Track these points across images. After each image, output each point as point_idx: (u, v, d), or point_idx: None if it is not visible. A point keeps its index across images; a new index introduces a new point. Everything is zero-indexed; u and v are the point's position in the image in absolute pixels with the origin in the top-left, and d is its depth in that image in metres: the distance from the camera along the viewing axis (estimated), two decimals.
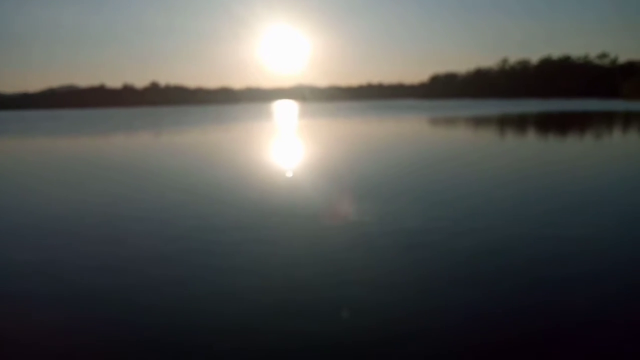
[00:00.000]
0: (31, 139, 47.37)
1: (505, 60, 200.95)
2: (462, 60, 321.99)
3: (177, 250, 9.44)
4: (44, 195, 16.03)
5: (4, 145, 41.59)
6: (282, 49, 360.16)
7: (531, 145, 28.77)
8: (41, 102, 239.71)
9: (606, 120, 52.37)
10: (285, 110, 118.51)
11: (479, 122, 52.50)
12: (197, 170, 20.77)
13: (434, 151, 26.61)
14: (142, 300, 7.09)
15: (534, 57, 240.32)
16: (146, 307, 6.87)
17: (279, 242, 9.81)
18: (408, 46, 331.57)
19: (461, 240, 9.58)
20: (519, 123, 50.31)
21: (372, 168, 20.14)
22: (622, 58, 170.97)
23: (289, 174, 19.63)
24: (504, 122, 51.47)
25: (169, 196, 14.92)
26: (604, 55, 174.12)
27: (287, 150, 29.71)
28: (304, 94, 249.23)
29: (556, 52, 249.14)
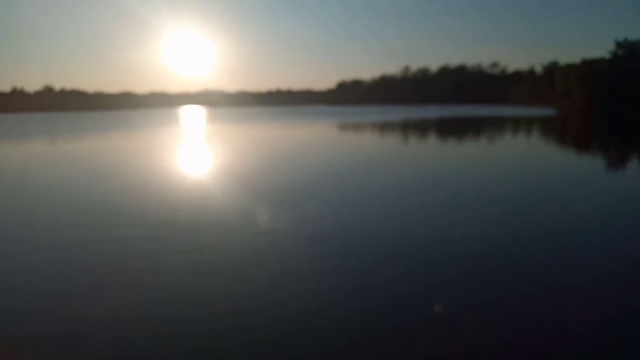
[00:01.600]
0: None
1: (407, 68, 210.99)
2: (368, 67, 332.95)
3: (63, 262, 8.83)
4: None
5: None
6: (189, 53, 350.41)
7: (432, 148, 30.45)
8: None
9: (497, 124, 56.88)
10: (192, 116, 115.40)
11: (383, 127, 54.62)
12: (93, 181, 19.54)
13: (342, 156, 27.22)
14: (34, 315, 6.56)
15: (434, 65, 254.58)
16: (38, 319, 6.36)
17: (185, 251, 9.51)
18: (316, 52, 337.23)
19: (372, 241, 9.89)
20: (420, 128, 53.08)
21: (282, 174, 20.19)
22: (511, 67, 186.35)
23: (194, 182, 19.14)
24: (407, 127, 54.04)
25: (55, 209, 13.91)
26: (494, 65, 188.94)
27: (193, 157, 28.94)
28: (212, 99, 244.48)
29: (453, 60, 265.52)
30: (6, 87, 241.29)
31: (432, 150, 29.58)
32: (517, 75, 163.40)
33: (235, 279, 7.98)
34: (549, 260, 8.62)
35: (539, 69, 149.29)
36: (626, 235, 10.23)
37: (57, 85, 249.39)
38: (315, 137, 44.06)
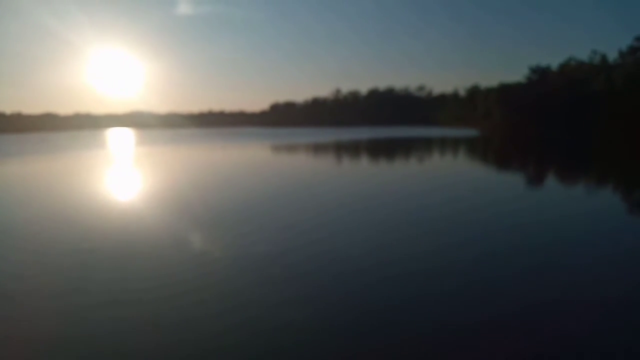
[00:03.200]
0: None
1: (338, 91, 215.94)
2: (301, 89, 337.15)
3: None
4: None
5: None
6: (115, 74, 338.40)
7: (363, 169, 31.35)
8: None
9: (425, 144, 59.44)
10: (120, 138, 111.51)
11: (316, 148, 55.49)
12: (9, 207, 18.55)
13: (275, 177, 27.41)
14: None
15: (364, 88, 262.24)
16: None
17: (115, 279, 9.32)
18: (249, 74, 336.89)
19: (305, 262, 10.13)
20: (351, 149, 54.42)
21: (214, 197, 20.08)
22: (436, 90, 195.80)
23: (120, 208, 18.63)
24: (338, 149, 55.22)
25: None
26: (421, 88, 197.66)
27: (120, 181, 28.06)
28: (142, 121, 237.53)
29: (383, 83, 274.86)
30: None
31: (363, 171, 30.45)
32: (443, 98, 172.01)
33: (163, 305, 7.94)
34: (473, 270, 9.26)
35: (462, 92, 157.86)
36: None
37: None
38: (248, 159, 44.03)
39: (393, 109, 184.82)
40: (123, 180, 28.24)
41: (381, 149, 53.80)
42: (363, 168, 32.31)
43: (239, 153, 51.92)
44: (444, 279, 8.92)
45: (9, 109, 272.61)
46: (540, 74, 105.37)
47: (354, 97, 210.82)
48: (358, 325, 6.98)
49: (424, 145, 58.12)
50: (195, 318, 7.33)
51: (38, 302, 8.06)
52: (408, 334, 6.70)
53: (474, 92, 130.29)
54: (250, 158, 44.81)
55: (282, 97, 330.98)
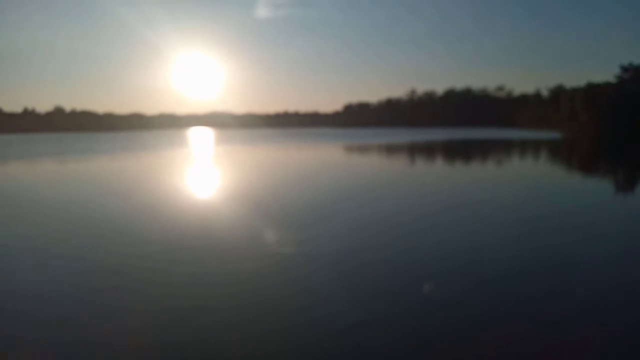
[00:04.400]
0: None
1: (413, 91, 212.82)
2: (375, 90, 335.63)
3: (88, 286, 9.12)
4: None
5: None
6: (197, 76, 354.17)
7: (439, 170, 30.69)
8: None
9: (504, 146, 57.13)
10: (201, 137, 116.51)
11: (390, 149, 55.03)
12: (103, 202, 19.95)
13: (351, 177, 27.49)
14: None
15: (440, 88, 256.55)
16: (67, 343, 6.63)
17: (198, 273, 9.77)
18: (323, 75, 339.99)
19: (385, 267, 10.11)
20: (426, 150, 53.40)
21: (293, 195, 20.46)
22: (517, 91, 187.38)
23: (205, 203, 19.46)
24: (413, 150, 54.41)
25: (70, 230, 14.24)
26: (500, 88, 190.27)
27: (203, 178, 29.33)
28: (220, 121, 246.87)
29: (460, 83, 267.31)
30: (18, 108, 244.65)
31: (439, 172, 29.80)
32: (524, 99, 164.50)
33: (248, 298, 8.22)
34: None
35: (545, 93, 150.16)
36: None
37: (68, 106, 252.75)
38: (322, 159, 44.41)
39: (470, 110, 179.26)
40: (203, 177, 29.50)
41: (458, 151, 52.38)
42: (439, 170, 31.60)
43: (312, 153, 52.57)
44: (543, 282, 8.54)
45: (101, 109, 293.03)
46: (633, 73, 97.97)
47: (429, 97, 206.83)
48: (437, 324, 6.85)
49: (504, 148, 55.89)
50: (277, 315, 7.52)
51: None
52: (502, 341, 6.49)
53: (558, 93, 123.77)
54: (324, 158, 45.19)
55: (356, 97, 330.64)
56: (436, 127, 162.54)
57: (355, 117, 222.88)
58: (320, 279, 9.05)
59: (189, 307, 7.74)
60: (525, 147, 55.61)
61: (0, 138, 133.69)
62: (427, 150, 53.99)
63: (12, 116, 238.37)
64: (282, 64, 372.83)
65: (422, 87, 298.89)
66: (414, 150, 53.86)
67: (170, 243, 11.88)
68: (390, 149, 54.54)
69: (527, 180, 25.57)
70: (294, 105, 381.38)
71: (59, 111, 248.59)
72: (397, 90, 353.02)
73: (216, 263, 10.17)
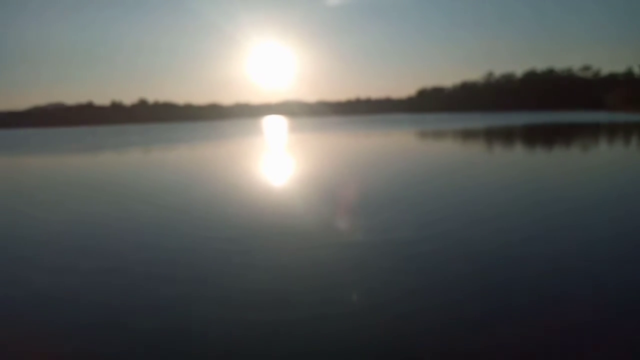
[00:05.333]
0: (13, 157, 47.14)
1: (490, 74, 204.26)
2: (449, 74, 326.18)
3: (170, 268, 9.61)
4: (25, 215, 16.04)
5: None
6: (270, 65, 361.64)
7: (518, 157, 29.30)
8: (28, 120, 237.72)
9: (592, 131, 53.43)
10: (274, 126, 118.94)
11: (467, 134, 53.25)
12: (190, 188, 20.90)
13: (426, 164, 26.95)
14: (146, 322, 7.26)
15: (519, 70, 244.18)
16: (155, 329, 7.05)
17: (276, 260, 10.01)
18: (395, 61, 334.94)
19: (464, 257, 9.87)
20: (506, 135, 51.09)
21: (367, 182, 20.40)
22: (605, 70, 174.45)
23: (285, 189, 19.86)
24: (491, 135, 52.27)
25: (160, 214, 15.03)
26: (586, 68, 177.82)
27: (280, 165, 29.95)
28: (292, 109, 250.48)
29: (540, 65, 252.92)
30: (106, 101, 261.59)
31: (522, 160, 28.42)
32: (613, 79, 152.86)
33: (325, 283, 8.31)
34: None
35: (638, 70, 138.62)
36: None
37: (151, 98, 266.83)
38: (392, 145, 43.84)
39: (553, 92, 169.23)
40: (278, 165, 30.10)
41: (542, 136, 49.67)
42: (521, 157, 30.13)
43: (384, 140, 51.98)
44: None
45: (181, 100, 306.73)
46: None
47: (507, 80, 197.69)
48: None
49: (593, 132, 52.25)
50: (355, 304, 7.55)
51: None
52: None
53: None
54: (396, 144, 44.56)
55: (430, 82, 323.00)
56: (516, 111, 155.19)
57: (429, 102, 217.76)
58: (399, 269, 8.97)
59: (270, 294, 7.96)
60: (618, 132, 51.68)
61: (92, 130, 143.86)
62: (507, 135, 51.61)
63: (102, 109, 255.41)
64: (354, 51, 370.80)
65: (499, 70, 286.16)
66: (492, 135, 51.72)
67: (251, 228, 12.25)
68: (467, 135, 52.77)
69: (630, 170, 23.70)
70: (366, 92, 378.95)
71: (143, 103, 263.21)
72: (473, 73, 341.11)
73: (291, 248, 10.36)
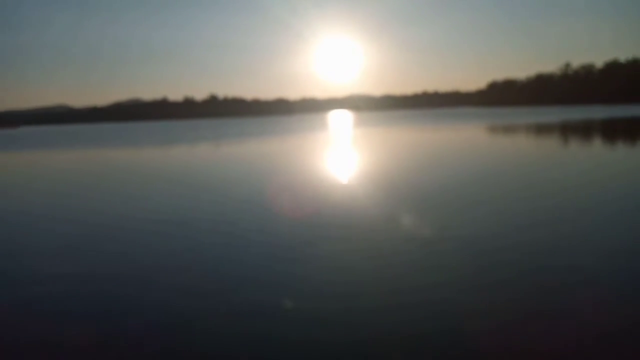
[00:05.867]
0: (99, 150, 50.32)
1: (567, 65, 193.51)
2: (521, 65, 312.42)
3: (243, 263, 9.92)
4: (101, 203, 17.13)
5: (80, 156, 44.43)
6: (336, 60, 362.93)
7: (604, 154, 27.59)
8: (109, 116, 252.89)
9: None
10: (340, 120, 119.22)
11: (541, 130, 50.76)
12: (259, 181, 21.44)
13: (496, 161, 25.98)
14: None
15: (599, 61, 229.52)
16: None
17: (342, 255, 10.08)
18: (464, 53, 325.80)
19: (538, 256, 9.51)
20: (587, 130, 48.15)
21: (433, 179, 19.96)
22: None
23: (347, 184, 19.91)
24: (571, 129, 49.44)
25: (233, 206, 15.52)
26: None
27: (344, 160, 30.02)
28: (358, 103, 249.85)
29: (623, 54, 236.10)
30: (179, 97, 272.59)
31: (604, 158, 26.71)
32: None
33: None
34: None
35: None
36: None
37: (221, 94, 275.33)
38: (464, 140, 42.58)
39: (638, 84, 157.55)
40: (342, 160, 30.16)
41: (626, 131, 46.41)
42: (603, 154, 28.31)
43: (452, 134, 50.67)
44: None
45: (249, 95, 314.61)
46: None
47: (586, 71, 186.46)
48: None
49: None
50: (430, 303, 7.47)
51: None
52: None
53: None
54: (465, 139, 43.27)
55: (501, 74, 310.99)
56: (595, 104, 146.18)
57: (501, 95, 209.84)
58: (468, 267, 8.76)
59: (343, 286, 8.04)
60: None
61: (166, 124, 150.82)
62: (587, 130, 48.64)
63: (175, 104, 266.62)
64: (421, 43, 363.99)
65: (577, 60, 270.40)
66: (571, 130, 48.87)
67: (322, 220, 12.41)
68: (541, 130, 50.26)
69: None
70: (433, 85, 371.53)
71: (213, 99, 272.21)
72: (549, 64, 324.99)
73: (360, 241, 10.38)
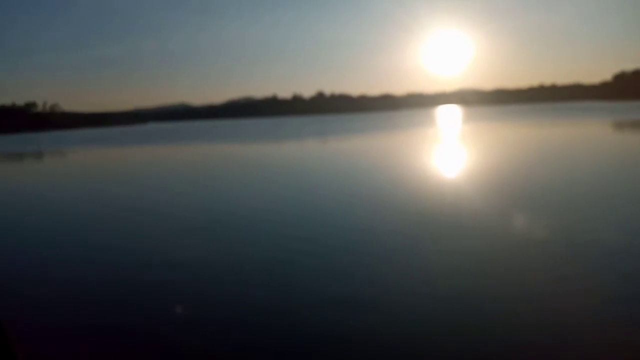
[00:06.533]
0: (212, 146, 54.17)
1: None
2: None
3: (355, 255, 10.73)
4: (221, 194, 19.14)
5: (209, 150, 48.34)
6: (445, 53, 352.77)
7: None
8: (224, 113, 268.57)
9: None
10: (447, 116, 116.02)
11: None
12: (365, 178, 22.13)
13: (622, 163, 23.56)
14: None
15: None
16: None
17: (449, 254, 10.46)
18: (587, 41, 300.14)
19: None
20: None
21: (540, 179, 18.84)
22: None
23: (454, 182, 19.96)
24: None
25: (340, 199, 16.35)
26: None
27: (451, 157, 29.75)
28: (468, 98, 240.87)
29: None
30: (288, 94, 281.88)
31: None
32: None
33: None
34: None
35: None
36: None
37: (328, 91, 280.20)
38: (584, 137, 39.41)
39: None
40: (448, 157, 29.88)
41: None
42: None
43: (571, 131, 47.21)
44: None
45: (355, 92, 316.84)
46: None
47: None
48: None
49: None
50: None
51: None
52: None
53: None
54: (585, 136, 40.07)
55: (630, 65, 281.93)
56: None
57: (630, 88, 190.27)
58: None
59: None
60: None
61: (275, 121, 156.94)
62: None
63: (284, 102, 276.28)
64: (537, 32, 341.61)
65: None
66: None
67: (433, 216, 12.91)
68: None
69: None
70: (551, 78, 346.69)
71: (320, 96, 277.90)
72: None
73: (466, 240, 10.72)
